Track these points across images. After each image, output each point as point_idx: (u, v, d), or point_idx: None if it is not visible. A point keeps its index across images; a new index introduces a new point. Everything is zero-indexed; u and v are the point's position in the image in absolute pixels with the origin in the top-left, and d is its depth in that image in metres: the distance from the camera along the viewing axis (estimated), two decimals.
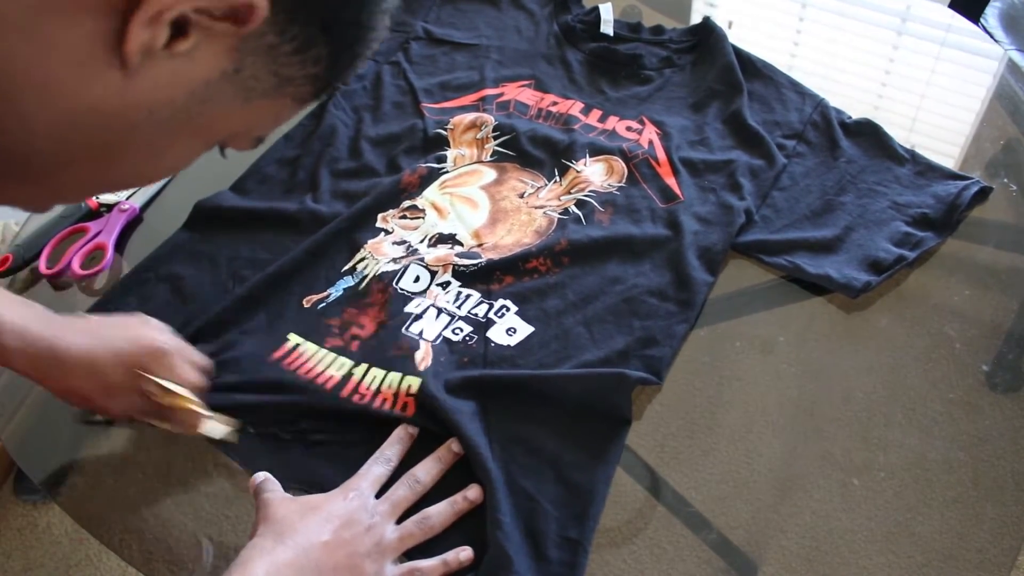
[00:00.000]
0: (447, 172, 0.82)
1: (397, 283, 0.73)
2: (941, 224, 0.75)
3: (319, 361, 0.67)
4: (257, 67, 0.38)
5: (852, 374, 0.68)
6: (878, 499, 0.61)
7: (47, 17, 0.33)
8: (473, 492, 0.60)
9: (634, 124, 0.86)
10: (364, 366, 0.67)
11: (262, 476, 0.59)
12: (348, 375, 0.66)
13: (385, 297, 0.72)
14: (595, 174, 0.81)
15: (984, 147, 0.84)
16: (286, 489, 0.59)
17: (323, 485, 0.60)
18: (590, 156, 0.83)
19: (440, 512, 0.59)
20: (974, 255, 0.75)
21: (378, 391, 0.65)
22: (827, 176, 0.80)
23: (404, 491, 0.59)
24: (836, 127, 0.83)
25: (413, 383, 0.65)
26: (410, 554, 0.58)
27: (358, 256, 0.76)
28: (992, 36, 1.21)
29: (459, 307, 0.71)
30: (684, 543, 0.59)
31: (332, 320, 0.71)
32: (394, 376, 0.66)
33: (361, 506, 0.57)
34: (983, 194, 0.77)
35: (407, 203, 0.80)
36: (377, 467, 0.61)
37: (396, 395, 0.65)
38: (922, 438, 0.64)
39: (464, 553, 0.57)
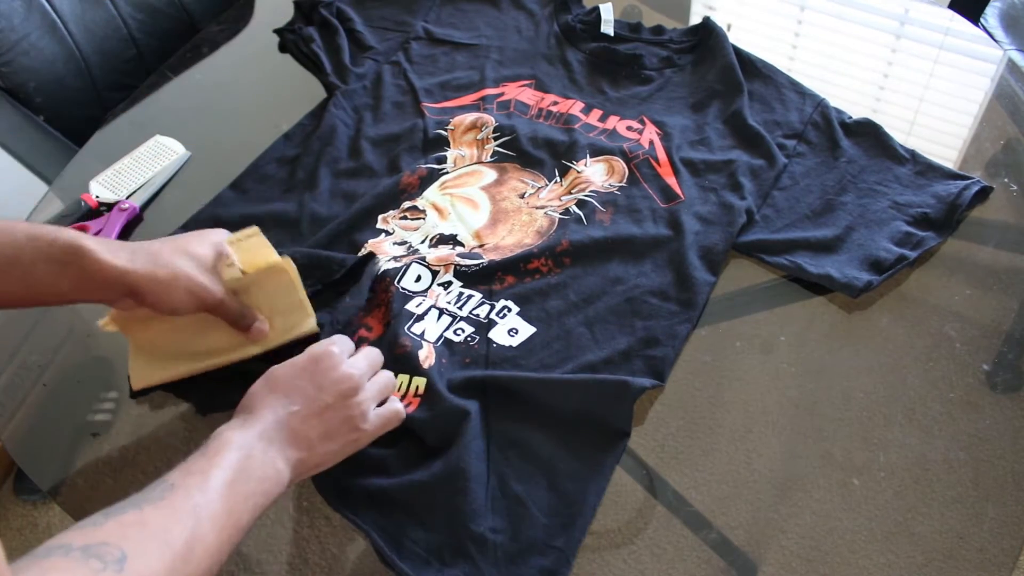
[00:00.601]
0: (447, 173, 0.82)
1: (399, 281, 0.73)
2: (942, 224, 0.75)
3: None
4: None
5: (852, 374, 0.68)
6: (878, 499, 0.61)
7: None
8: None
9: (635, 124, 0.86)
10: None
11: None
12: None
13: (387, 296, 0.72)
14: (596, 174, 0.81)
15: (984, 147, 0.84)
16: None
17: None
18: (591, 156, 0.83)
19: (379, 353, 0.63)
20: (974, 255, 0.75)
21: None
22: (828, 176, 0.80)
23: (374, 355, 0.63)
24: (836, 127, 0.83)
25: (420, 383, 0.65)
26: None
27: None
28: (992, 36, 1.21)
29: (460, 308, 0.71)
30: (684, 543, 0.59)
31: None
32: (403, 378, 0.66)
33: (332, 366, 0.58)
34: (983, 194, 0.77)
35: (407, 204, 0.80)
36: (345, 340, 0.62)
37: (404, 396, 0.65)
38: (922, 438, 0.64)
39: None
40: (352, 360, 0.59)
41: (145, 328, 0.66)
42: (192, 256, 0.62)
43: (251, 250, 0.66)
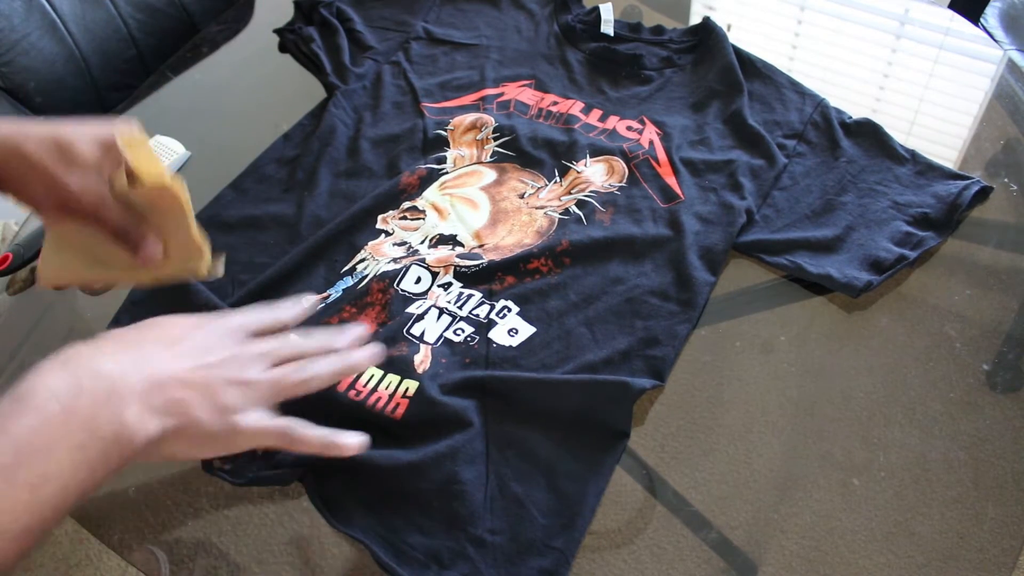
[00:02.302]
0: (447, 173, 0.82)
1: (398, 284, 0.73)
2: (942, 224, 0.75)
3: None
4: None
5: (852, 374, 0.68)
6: (878, 499, 0.61)
7: None
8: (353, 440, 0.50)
9: (634, 124, 0.86)
10: None
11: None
12: None
13: (386, 297, 0.72)
14: (596, 174, 0.81)
15: (984, 147, 0.84)
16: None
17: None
18: (590, 156, 0.83)
19: (328, 364, 0.50)
20: (974, 255, 0.75)
21: (375, 390, 0.65)
22: (828, 176, 0.80)
23: (281, 343, 0.49)
24: (836, 127, 0.83)
25: (411, 386, 0.65)
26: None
27: (358, 257, 0.76)
28: (992, 36, 1.21)
29: (460, 308, 0.71)
30: (684, 543, 0.59)
31: (331, 319, 0.71)
32: (393, 378, 0.66)
33: (226, 334, 0.48)
34: (983, 194, 0.77)
35: (407, 204, 0.80)
36: (262, 313, 0.51)
37: (392, 396, 0.65)
38: (922, 438, 0.64)
39: (353, 439, 0.50)
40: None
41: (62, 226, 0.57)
42: (59, 150, 0.51)
43: (142, 159, 0.55)
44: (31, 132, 0.51)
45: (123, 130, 0.54)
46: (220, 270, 0.59)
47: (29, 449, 0.38)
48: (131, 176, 0.55)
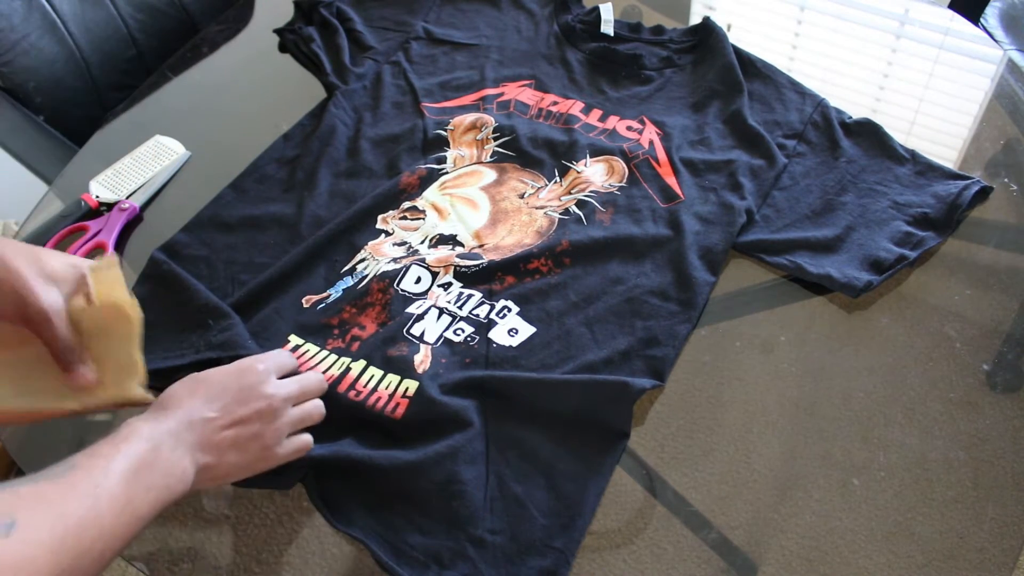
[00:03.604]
0: (447, 173, 0.82)
1: (398, 284, 0.73)
2: (942, 224, 0.75)
3: (320, 361, 0.67)
4: None
5: (852, 374, 0.68)
6: (878, 499, 0.61)
7: None
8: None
9: (634, 124, 0.86)
10: (362, 362, 0.67)
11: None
12: (346, 370, 0.66)
13: (386, 297, 0.72)
14: (596, 174, 0.81)
15: (984, 147, 0.84)
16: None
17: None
18: (590, 156, 0.83)
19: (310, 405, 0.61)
20: (974, 255, 0.75)
21: (375, 390, 0.65)
22: (828, 176, 0.80)
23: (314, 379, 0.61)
24: (836, 127, 0.83)
25: (411, 386, 0.65)
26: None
27: (358, 257, 0.76)
28: (992, 36, 1.21)
29: (460, 308, 0.71)
30: (684, 543, 0.59)
31: (332, 320, 0.71)
32: (393, 378, 0.66)
33: (257, 382, 0.58)
34: (983, 194, 0.77)
35: (407, 204, 0.80)
36: (283, 357, 0.61)
37: (392, 396, 0.65)
38: (922, 438, 0.64)
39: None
40: (281, 382, 0.59)
41: None
42: (36, 261, 0.57)
43: (105, 282, 0.59)
44: (11, 242, 0.58)
45: (96, 262, 0.60)
46: (151, 397, 0.60)
47: (133, 485, 0.49)
48: (89, 299, 0.58)
